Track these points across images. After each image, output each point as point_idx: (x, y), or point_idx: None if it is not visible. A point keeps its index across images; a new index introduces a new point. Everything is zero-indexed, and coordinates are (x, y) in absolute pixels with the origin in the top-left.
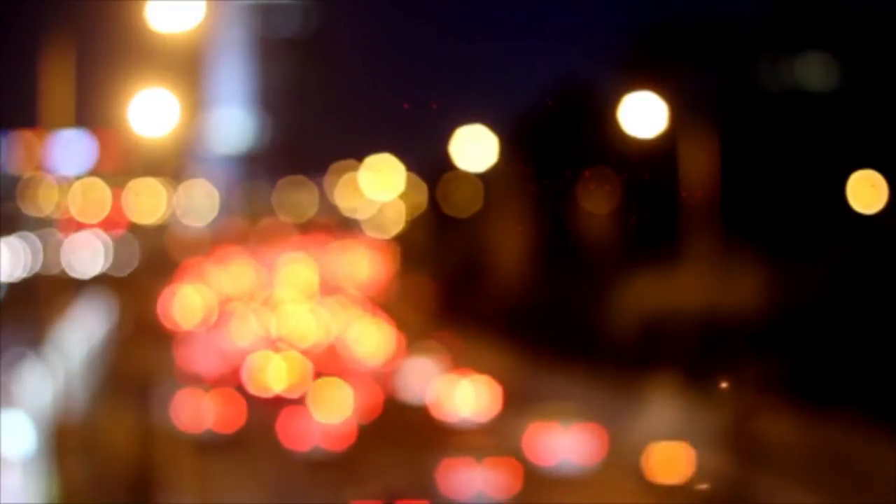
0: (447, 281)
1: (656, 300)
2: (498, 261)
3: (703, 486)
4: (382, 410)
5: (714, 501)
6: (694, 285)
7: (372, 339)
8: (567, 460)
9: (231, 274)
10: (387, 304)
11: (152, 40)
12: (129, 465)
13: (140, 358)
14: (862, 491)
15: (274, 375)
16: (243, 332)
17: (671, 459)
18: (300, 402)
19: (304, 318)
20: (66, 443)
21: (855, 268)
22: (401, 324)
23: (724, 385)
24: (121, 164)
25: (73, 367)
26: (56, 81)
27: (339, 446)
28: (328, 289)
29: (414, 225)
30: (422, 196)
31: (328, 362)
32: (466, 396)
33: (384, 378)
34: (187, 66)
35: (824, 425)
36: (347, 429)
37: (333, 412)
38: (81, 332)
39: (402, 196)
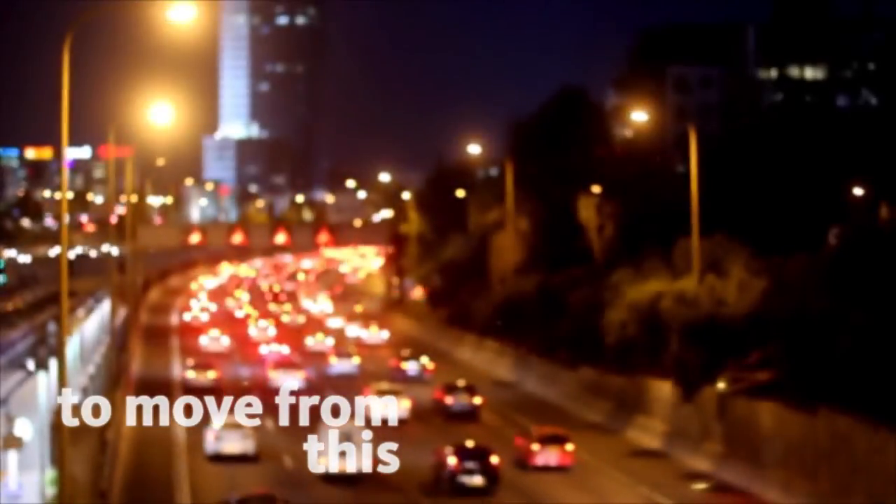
0: (446, 281)
1: (655, 301)
2: (498, 260)
3: (705, 486)
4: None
5: (713, 500)
6: (694, 285)
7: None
8: None
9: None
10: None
11: (154, 41)
12: (128, 465)
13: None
14: (861, 490)
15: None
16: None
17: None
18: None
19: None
20: (65, 441)
21: (855, 268)
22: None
23: (724, 385)
24: (123, 170)
25: (76, 368)
26: (55, 93)
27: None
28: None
29: (415, 228)
30: (423, 198)
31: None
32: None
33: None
34: (189, 67)
35: (823, 424)
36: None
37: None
38: (82, 332)
39: (403, 200)
